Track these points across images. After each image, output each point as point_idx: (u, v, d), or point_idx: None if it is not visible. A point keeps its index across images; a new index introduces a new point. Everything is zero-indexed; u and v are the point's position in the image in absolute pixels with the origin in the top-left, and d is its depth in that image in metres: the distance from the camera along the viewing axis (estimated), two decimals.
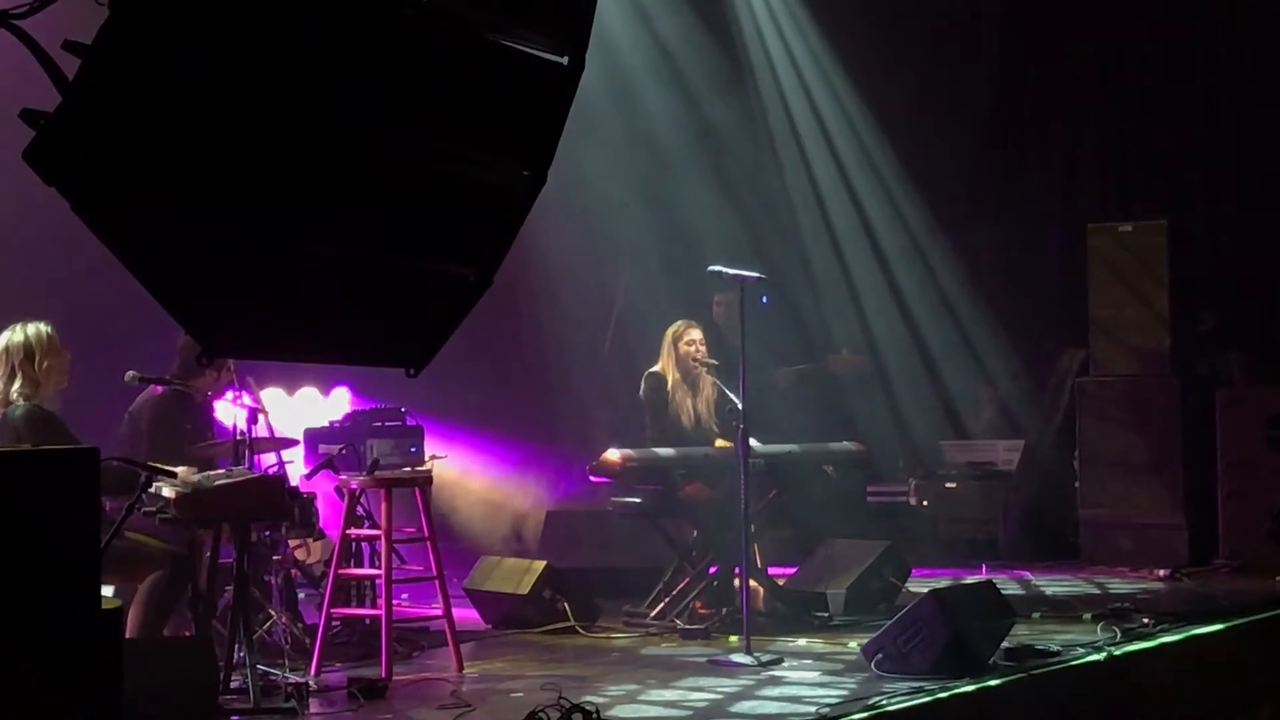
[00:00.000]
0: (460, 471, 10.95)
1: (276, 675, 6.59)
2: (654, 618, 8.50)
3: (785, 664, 7.27)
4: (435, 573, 7.43)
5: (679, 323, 9.06)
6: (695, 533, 8.87)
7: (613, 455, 8.48)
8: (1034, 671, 6.72)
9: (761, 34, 12.33)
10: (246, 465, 7.33)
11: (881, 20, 12.40)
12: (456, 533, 10.78)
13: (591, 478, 8.82)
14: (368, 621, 7.76)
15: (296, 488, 7.89)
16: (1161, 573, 10.23)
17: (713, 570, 8.59)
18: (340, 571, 7.51)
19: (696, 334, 8.96)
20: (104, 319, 8.60)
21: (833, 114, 12.49)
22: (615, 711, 5.84)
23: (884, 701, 6.09)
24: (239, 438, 7.43)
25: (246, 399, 7.62)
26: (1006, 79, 13.03)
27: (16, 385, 6.67)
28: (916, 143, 12.36)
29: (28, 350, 6.68)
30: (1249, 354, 11.48)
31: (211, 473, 6.84)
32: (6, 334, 6.77)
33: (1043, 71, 13.03)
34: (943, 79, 12.51)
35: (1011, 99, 13.09)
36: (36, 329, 6.74)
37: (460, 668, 7.24)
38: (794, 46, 12.38)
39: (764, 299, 10.51)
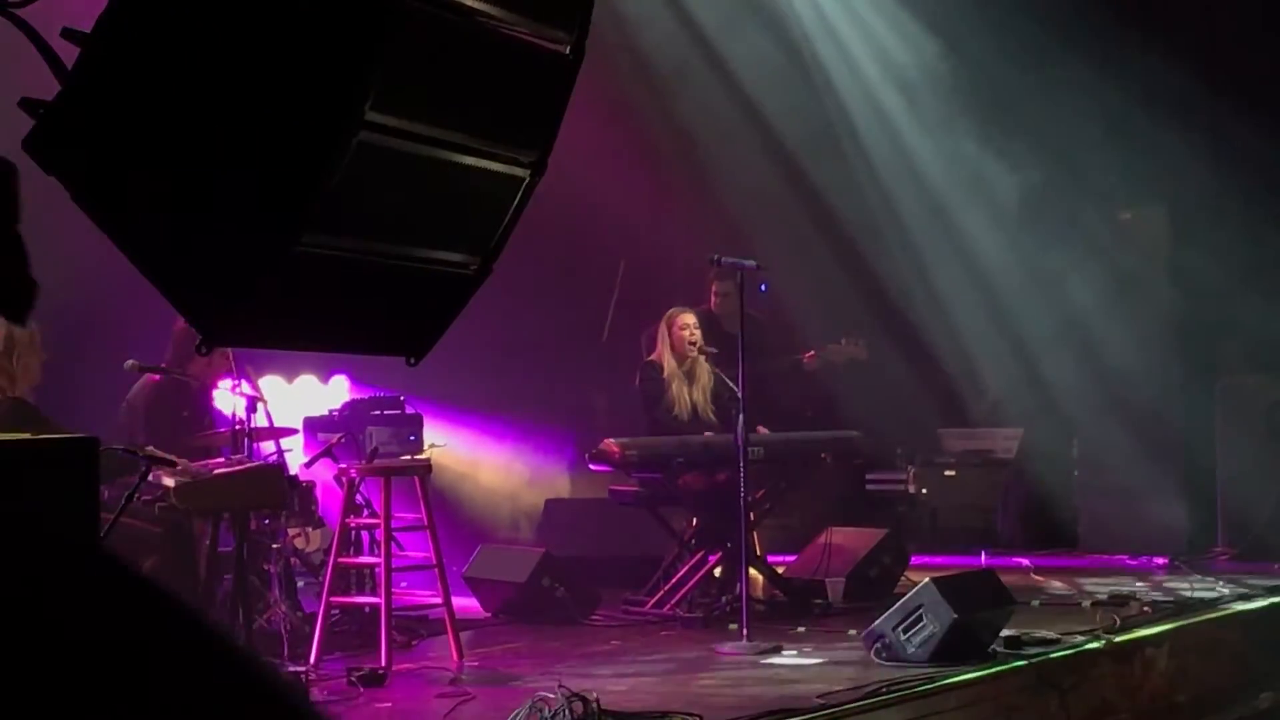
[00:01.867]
0: (459, 459, 10.94)
1: (276, 664, 6.59)
2: (653, 606, 8.51)
3: (784, 652, 7.27)
4: (435, 561, 7.43)
5: (672, 309, 9.05)
6: (694, 521, 8.86)
7: (611, 444, 8.49)
8: (1033, 659, 6.72)
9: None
10: (246, 454, 7.32)
11: None
12: (456, 520, 10.77)
13: (591, 466, 8.83)
14: (367, 610, 7.76)
15: (296, 476, 7.88)
16: (1161, 560, 10.23)
17: (712, 559, 8.59)
18: (339, 560, 7.50)
19: (690, 318, 8.94)
20: (103, 307, 8.58)
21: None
22: (614, 700, 5.83)
23: (884, 689, 6.08)
24: (238, 426, 7.43)
25: (245, 387, 7.61)
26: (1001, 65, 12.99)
27: None
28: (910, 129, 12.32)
29: (7, 344, 6.64)
30: (1248, 341, 11.47)
31: (210, 461, 6.83)
32: None
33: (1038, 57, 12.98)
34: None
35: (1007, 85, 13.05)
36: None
37: (459, 656, 7.24)
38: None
39: (763, 287, 10.49)
